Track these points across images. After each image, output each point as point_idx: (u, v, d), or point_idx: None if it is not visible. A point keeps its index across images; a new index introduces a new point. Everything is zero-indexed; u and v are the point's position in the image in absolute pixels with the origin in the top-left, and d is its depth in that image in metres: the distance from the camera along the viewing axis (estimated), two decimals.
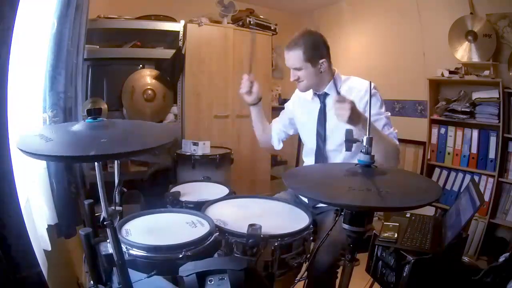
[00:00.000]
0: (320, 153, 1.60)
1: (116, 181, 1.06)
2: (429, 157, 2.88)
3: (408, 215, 1.44)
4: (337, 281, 1.26)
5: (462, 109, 2.61)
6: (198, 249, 1.02)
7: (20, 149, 0.74)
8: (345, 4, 3.73)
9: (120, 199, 1.24)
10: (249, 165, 3.31)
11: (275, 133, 1.80)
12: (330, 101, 1.58)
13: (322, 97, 1.59)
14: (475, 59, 2.62)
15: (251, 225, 1.09)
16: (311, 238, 1.28)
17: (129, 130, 1.00)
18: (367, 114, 1.10)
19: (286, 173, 1.08)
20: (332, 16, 3.84)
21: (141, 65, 2.97)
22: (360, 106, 1.41)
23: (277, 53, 3.88)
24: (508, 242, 2.43)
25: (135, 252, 1.00)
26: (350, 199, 0.85)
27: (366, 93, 1.46)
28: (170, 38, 3.01)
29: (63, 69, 1.43)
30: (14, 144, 0.84)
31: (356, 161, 1.01)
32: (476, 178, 2.56)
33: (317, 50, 1.47)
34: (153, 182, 2.82)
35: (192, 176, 2.52)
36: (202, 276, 0.88)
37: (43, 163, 1.44)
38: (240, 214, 1.34)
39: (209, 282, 0.88)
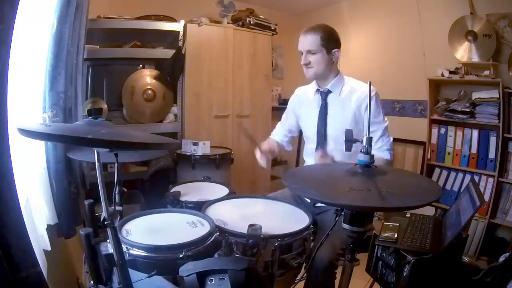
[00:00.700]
0: None
1: (116, 181, 1.06)
2: (429, 157, 2.88)
3: (408, 215, 1.43)
4: (337, 281, 1.26)
5: (462, 109, 2.61)
6: (198, 249, 1.02)
7: (19, 129, 0.73)
8: (345, 4, 3.73)
9: (120, 199, 1.25)
10: (249, 165, 3.30)
11: (283, 137, 1.85)
12: (331, 100, 1.59)
13: (324, 95, 1.60)
14: (475, 59, 2.62)
15: (251, 225, 1.09)
16: (311, 238, 1.28)
17: (129, 131, 1.00)
18: (367, 117, 1.10)
19: (286, 173, 1.08)
20: (332, 16, 3.83)
21: (141, 65, 2.97)
22: (360, 109, 1.51)
23: (277, 53, 3.87)
24: (508, 242, 2.43)
25: (135, 252, 1.00)
26: (350, 199, 0.85)
27: (367, 97, 1.48)
28: (170, 38, 3.01)
29: (63, 69, 1.43)
30: (14, 144, 0.84)
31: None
32: (476, 178, 2.56)
33: (334, 39, 1.56)
34: (153, 182, 2.82)
35: (192, 176, 2.52)
36: (202, 276, 0.88)
37: (43, 163, 1.44)
38: (240, 214, 1.35)
39: (209, 282, 0.88)
